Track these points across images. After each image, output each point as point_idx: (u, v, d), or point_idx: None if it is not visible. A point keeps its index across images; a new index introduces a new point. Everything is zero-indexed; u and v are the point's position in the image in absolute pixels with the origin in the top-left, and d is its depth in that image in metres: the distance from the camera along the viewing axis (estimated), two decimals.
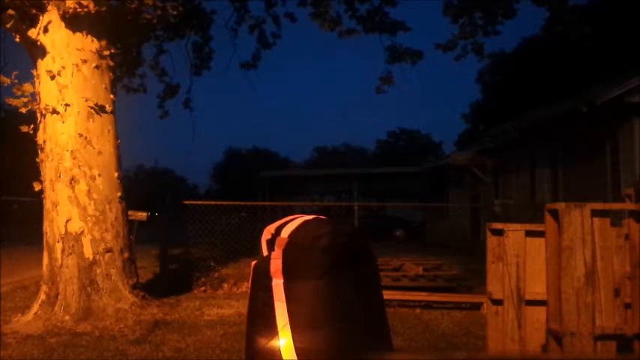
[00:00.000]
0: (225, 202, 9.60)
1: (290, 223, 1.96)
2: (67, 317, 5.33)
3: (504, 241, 4.11)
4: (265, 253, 2.02)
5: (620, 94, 9.86)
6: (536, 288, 4.06)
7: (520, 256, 4.06)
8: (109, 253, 5.73)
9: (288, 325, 1.83)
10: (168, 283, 7.36)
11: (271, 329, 1.88)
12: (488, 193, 15.18)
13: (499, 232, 4.14)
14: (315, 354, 1.83)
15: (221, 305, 6.17)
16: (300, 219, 2.02)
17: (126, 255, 5.92)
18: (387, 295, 6.07)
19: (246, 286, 8.14)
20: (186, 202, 9.52)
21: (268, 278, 1.90)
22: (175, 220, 10.91)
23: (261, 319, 1.86)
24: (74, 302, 5.45)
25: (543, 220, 4.02)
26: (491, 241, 4.18)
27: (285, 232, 1.89)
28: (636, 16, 15.92)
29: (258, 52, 10.62)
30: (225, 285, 8.21)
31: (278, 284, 1.86)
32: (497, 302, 4.12)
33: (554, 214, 2.64)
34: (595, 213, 2.70)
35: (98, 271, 5.64)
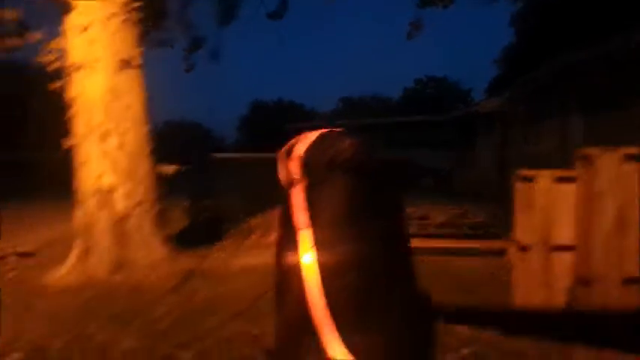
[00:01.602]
0: (249, 156, 9.65)
1: (304, 140, 1.94)
2: (101, 270, 5.50)
3: (534, 188, 4.08)
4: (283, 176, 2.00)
5: None
6: (564, 233, 4.04)
7: (549, 202, 4.03)
8: (140, 207, 5.86)
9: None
10: (198, 234, 7.52)
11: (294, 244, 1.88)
12: (517, 140, 14.91)
13: (529, 179, 4.11)
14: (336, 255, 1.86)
15: (250, 255, 6.29)
16: (314, 133, 1.99)
17: (157, 208, 6.05)
18: (412, 242, 6.10)
19: (273, 236, 8.29)
20: (215, 154, 9.61)
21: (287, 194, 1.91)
22: (204, 173, 11.07)
23: (285, 238, 1.90)
24: (107, 255, 5.61)
25: (574, 167, 3.97)
26: (521, 187, 4.16)
27: (300, 149, 1.86)
28: None
29: (285, 1, 10.42)
30: (254, 236, 8.36)
31: (297, 191, 1.86)
32: (525, 248, 4.12)
33: (586, 160, 2.58)
34: (628, 157, 2.62)
35: (130, 224, 5.79)
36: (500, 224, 7.57)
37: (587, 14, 18.44)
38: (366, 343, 2.44)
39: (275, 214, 9.24)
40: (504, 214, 7.83)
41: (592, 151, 2.68)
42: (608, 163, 2.58)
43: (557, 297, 4.02)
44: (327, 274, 2.32)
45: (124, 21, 5.92)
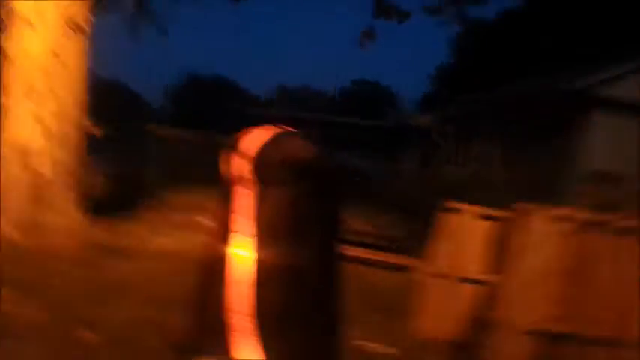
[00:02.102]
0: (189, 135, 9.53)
1: (255, 137, 1.89)
2: (15, 232, 5.30)
3: (456, 220, 4.34)
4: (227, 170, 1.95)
5: (587, 86, 10.21)
6: (475, 267, 4.35)
7: (466, 235, 4.31)
8: (65, 174, 5.70)
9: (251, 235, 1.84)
10: (117, 204, 7.35)
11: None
12: (442, 159, 15.55)
13: (453, 211, 4.36)
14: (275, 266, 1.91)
15: (168, 234, 6.27)
16: (266, 131, 1.97)
17: (80, 175, 5.90)
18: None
19: (191, 217, 8.26)
20: (150, 127, 9.42)
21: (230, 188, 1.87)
22: (129, 142, 10.79)
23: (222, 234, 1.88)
24: (24, 217, 5.42)
25: (493, 199, 4.29)
26: (444, 217, 4.41)
27: (251, 147, 1.83)
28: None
29: None
30: (175, 215, 8.30)
31: (244, 192, 1.83)
32: (437, 276, 4.37)
33: (521, 213, 2.84)
34: (556, 218, 2.91)
35: (53, 189, 5.61)
36: (416, 242, 7.88)
37: (523, 48, 19.47)
38: (281, 351, 2.56)
39: (211, 203, 9.17)
40: (422, 233, 8.20)
41: (525, 208, 2.93)
42: (539, 222, 2.84)
43: (459, 328, 4.32)
44: (261, 278, 2.40)
45: None
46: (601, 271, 3.01)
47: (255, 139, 2.23)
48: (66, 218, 5.62)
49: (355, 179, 12.69)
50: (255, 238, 1.86)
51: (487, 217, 4.33)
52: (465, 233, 4.32)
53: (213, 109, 29.07)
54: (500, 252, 3.08)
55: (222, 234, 2.03)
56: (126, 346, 3.23)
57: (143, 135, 12.40)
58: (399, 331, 4.10)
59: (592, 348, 2.90)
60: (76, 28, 5.71)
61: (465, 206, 4.38)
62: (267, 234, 1.98)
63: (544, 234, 2.87)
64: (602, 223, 3.09)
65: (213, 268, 2.41)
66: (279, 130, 2.30)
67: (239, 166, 2.05)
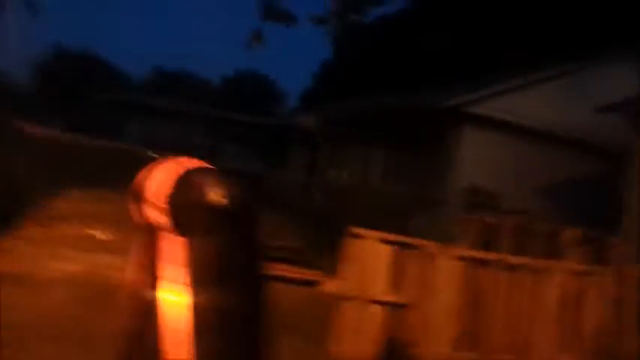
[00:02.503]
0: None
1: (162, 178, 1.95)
2: None
3: (359, 244, 4.67)
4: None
5: (461, 103, 11.09)
6: (379, 288, 4.70)
7: (370, 258, 4.65)
8: None
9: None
10: None
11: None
12: (325, 164, 15.97)
13: (357, 236, 4.68)
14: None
15: (63, 256, 5.97)
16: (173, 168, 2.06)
17: None
18: None
19: (85, 230, 7.90)
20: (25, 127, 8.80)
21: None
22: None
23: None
24: None
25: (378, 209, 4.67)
26: (350, 243, 4.72)
27: (159, 192, 1.93)
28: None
29: None
30: (59, 224, 7.87)
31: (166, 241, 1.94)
32: (345, 298, 4.66)
33: (426, 253, 3.15)
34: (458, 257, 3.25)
35: None
36: (314, 253, 8.12)
37: (404, 55, 20.50)
38: None
39: (96, 209, 8.72)
40: (317, 243, 8.48)
41: (435, 248, 3.24)
42: (445, 260, 3.17)
43: (374, 349, 4.64)
44: (197, 325, 2.57)
45: None
46: (497, 303, 3.41)
47: (161, 182, 2.36)
48: None
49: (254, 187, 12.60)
50: (187, 285, 2.04)
51: (388, 242, 4.72)
52: (369, 257, 4.65)
53: (81, 91, 27.28)
54: (402, 275, 3.38)
55: (145, 280, 2.15)
56: None
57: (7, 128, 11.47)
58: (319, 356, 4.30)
59: None
60: None
61: (367, 232, 4.72)
62: (198, 281, 2.15)
63: (449, 271, 3.20)
64: (496, 261, 3.49)
65: (140, 317, 2.50)
66: (188, 168, 2.47)
67: (151, 214, 2.18)
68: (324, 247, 6.93)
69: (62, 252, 6.20)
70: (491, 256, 3.62)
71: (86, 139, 14.82)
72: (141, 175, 2.47)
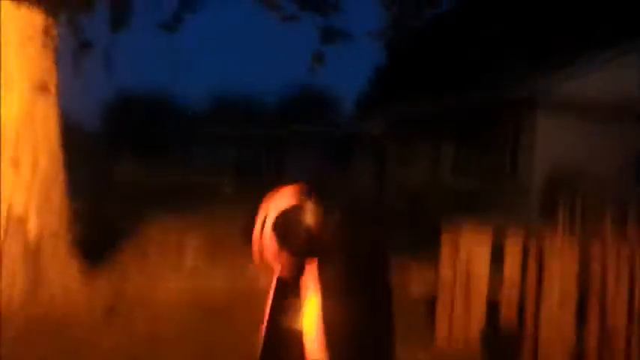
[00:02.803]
0: None
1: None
2: (15, 303, 5.19)
3: (459, 241, 4.68)
4: None
5: (529, 92, 10.88)
6: (482, 282, 4.68)
7: (473, 252, 4.65)
8: (54, 236, 5.65)
9: None
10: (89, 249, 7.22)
11: None
12: (393, 169, 15.93)
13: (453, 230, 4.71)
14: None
15: (168, 277, 6.30)
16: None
17: (70, 236, 5.86)
18: None
19: (181, 258, 8.25)
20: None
21: None
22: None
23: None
24: (21, 286, 5.31)
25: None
26: (448, 238, 4.74)
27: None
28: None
29: (180, 13, 10.30)
30: (154, 255, 8.23)
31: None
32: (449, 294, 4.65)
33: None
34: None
35: (45, 253, 5.55)
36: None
37: (457, 52, 20.22)
38: None
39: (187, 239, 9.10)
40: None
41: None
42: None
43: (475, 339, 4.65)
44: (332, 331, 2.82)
45: (43, 45, 5.66)
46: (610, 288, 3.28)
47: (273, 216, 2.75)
48: (64, 281, 5.57)
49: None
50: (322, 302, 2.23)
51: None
52: (470, 251, 4.66)
53: (147, 130, 28.38)
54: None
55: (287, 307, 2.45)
56: None
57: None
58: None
59: None
60: (44, 88, 5.68)
61: (466, 226, 4.74)
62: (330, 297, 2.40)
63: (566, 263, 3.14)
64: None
65: (284, 339, 2.77)
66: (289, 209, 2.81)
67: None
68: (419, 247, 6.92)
69: (159, 272, 6.53)
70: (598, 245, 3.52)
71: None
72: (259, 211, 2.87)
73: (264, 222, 2.93)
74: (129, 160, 17.78)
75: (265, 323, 3.17)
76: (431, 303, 4.93)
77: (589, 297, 3.27)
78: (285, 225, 2.91)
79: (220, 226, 10.43)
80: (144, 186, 14.58)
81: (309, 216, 2.99)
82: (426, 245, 5.80)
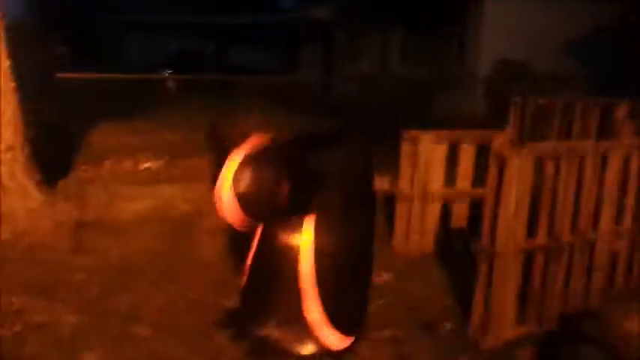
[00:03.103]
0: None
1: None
2: None
3: (417, 148, 4.86)
4: None
5: None
6: (436, 185, 4.96)
7: (428, 160, 4.86)
8: (10, 151, 5.46)
9: None
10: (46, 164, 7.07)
11: None
12: (341, 57, 15.76)
13: (412, 140, 4.87)
14: None
15: (131, 196, 6.27)
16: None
17: (26, 150, 5.68)
18: None
19: (132, 164, 8.20)
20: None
21: None
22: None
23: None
24: None
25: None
26: (405, 146, 4.92)
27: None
28: None
29: None
30: (107, 162, 8.15)
31: None
32: (406, 199, 4.93)
33: (498, 157, 3.31)
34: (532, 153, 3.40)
35: (1, 169, 5.40)
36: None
37: None
38: (339, 307, 3.28)
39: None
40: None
41: (506, 151, 3.34)
42: (518, 161, 3.28)
43: (430, 244, 5.00)
44: (320, 255, 3.18)
45: None
46: (564, 191, 3.56)
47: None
48: (24, 199, 5.49)
49: None
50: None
51: (438, 140, 4.91)
52: (425, 158, 4.86)
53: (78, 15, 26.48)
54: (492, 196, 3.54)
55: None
56: (173, 332, 3.51)
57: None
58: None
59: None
60: None
61: (420, 133, 4.90)
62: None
63: (523, 169, 3.33)
64: (565, 150, 3.58)
65: (281, 254, 3.12)
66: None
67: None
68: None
69: (123, 191, 6.50)
70: (560, 145, 3.71)
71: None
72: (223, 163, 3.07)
73: (225, 179, 3.03)
74: (66, 57, 16.75)
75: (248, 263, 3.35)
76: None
77: (540, 205, 3.49)
78: (245, 183, 3.04)
79: (171, 130, 10.32)
80: (84, 86, 13.96)
81: (271, 171, 3.11)
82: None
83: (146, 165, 8.15)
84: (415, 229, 4.92)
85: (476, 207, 5.11)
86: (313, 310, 3.19)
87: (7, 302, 3.81)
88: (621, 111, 4.14)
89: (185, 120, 12.33)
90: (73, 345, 3.32)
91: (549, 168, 3.46)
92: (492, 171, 3.37)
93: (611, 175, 3.63)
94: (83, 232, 5.20)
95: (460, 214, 5.17)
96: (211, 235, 5.13)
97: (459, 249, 4.97)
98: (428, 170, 4.89)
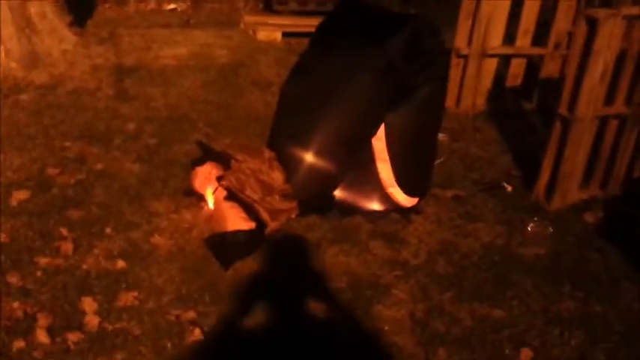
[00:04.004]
0: None
1: None
2: (13, 64, 4.95)
3: (480, 3, 4.52)
4: None
5: None
6: (495, 43, 4.69)
7: (490, 13, 4.55)
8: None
9: None
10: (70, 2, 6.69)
11: None
12: None
13: None
14: None
15: (166, 41, 6.01)
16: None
17: None
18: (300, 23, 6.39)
19: (156, 3, 7.79)
20: None
21: None
22: None
23: None
24: (16, 47, 4.99)
25: None
26: (465, 2, 4.58)
27: None
28: None
29: None
30: (132, 1, 7.76)
31: None
32: (462, 56, 4.71)
33: (590, 22, 3.07)
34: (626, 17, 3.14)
35: (32, 10, 5.09)
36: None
37: None
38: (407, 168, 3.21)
39: None
40: None
41: (599, 14, 3.09)
42: (609, 28, 3.06)
43: (482, 101, 4.85)
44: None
45: None
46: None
47: None
48: (58, 40, 5.25)
49: None
50: None
51: None
52: (488, 13, 4.54)
53: None
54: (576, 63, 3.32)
55: None
56: None
57: None
58: None
59: None
60: None
61: None
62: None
63: (614, 34, 3.12)
64: None
65: None
66: None
67: None
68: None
69: (158, 33, 6.22)
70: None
71: None
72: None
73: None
74: None
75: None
76: None
77: (621, 72, 3.31)
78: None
79: None
80: None
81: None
82: None
83: (171, 6, 7.77)
84: (470, 88, 4.75)
85: (531, 67, 4.94)
86: (383, 170, 3.17)
87: (63, 148, 3.78)
88: None
89: None
90: (140, 194, 3.33)
91: (637, 32, 3.21)
92: (580, 34, 3.13)
93: None
94: (123, 77, 5.03)
95: (516, 72, 4.96)
96: (257, 87, 4.98)
97: (512, 108, 4.88)
98: (488, 27, 4.59)
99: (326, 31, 3.36)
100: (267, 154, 3.20)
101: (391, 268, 2.83)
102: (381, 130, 3.11)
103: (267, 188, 3.07)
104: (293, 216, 3.11)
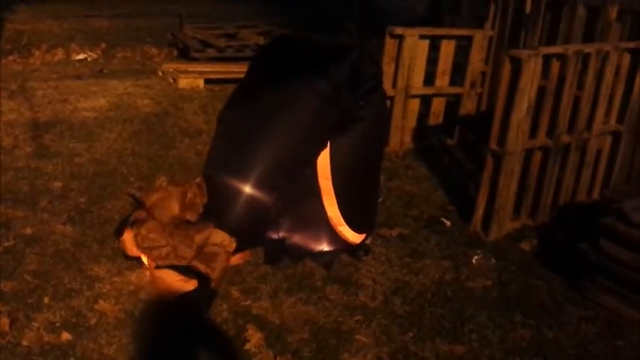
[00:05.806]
0: None
1: None
2: None
3: (402, 45, 4.73)
4: None
5: None
6: (418, 83, 4.92)
7: (412, 57, 4.77)
8: None
9: None
10: None
11: None
12: None
13: (397, 36, 4.72)
14: None
15: (81, 92, 5.77)
16: None
17: None
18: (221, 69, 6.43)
19: (64, 54, 7.52)
20: None
21: None
22: None
23: None
24: None
25: None
26: (389, 43, 4.78)
27: None
28: None
29: None
30: (37, 52, 7.45)
31: None
32: (389, 98, 4.88)
33: (514, 61, 3.29)
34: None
35: None
36: None
37: None
38: (353, 205, 3.28)
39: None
40: None
41: (522, 54, 3.31)
42: (532, 66, 3.30)
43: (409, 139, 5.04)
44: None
45: None
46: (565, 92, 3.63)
47: None
48: None
49: None
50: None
51: (422, 37, 4.80)
52: (406, 55, 4.75)
53: None
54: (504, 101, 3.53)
55: None
56: None
57: None
58: None
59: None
60: None
61: (405, 30, 4.74)
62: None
63: (536, 71, 3.36)
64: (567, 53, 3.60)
65: None
66: None
67: None
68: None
69: (70, 85, 5.97)
70: (567, 48, 3.67)
71: None
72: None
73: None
74: None
75: None
76: None
77: (542, 107, 3.55)
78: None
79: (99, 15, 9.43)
80: None
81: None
82: None
83: (80, 56, 7.52)
84: (397, 127, 4.91)
85: (450, 105, 5.21)
86: (331, 208, 3.20)
87: None
88: (611, 13, 4.17)
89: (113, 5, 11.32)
90: (76, 258, 3.13)
91: (555, 69, 3.49)
92: (506, 72, 3.35)
93: (609, 76, 3.73)
94: (41, 132, 4.77)
95: (437, 111, 5.20)
96: (187, 136, 4.89)
97: (436, 145, 5.10)
98: (410, 69, 4.80)
99: (266, 59, 3.39)
100: (189, 185, 3.15)
101: (351, 313, 2.82)
102: (327, 169, 3.14)
103: (184, 236, 2.95)
104: (230, 251, 3.00)
